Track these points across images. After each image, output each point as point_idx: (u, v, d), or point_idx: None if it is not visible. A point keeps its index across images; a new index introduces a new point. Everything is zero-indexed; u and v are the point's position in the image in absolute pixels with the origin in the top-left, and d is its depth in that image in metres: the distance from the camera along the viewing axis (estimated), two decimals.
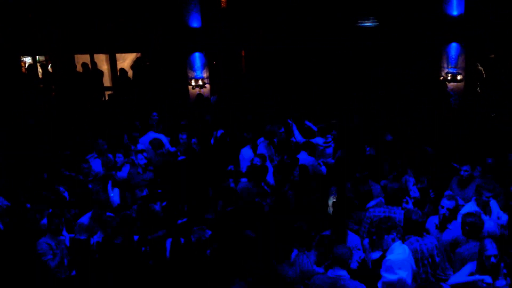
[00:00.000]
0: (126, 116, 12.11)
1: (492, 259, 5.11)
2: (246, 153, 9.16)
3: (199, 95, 13.52)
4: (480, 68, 13.96)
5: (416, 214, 5.71)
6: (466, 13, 12.93)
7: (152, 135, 9.94)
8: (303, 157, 8.73)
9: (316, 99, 12.94)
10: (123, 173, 8.84)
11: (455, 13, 12.98)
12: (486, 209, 6.59)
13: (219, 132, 10.12)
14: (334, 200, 7.47)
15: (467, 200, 7.06)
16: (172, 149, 9.82)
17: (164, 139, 10.04)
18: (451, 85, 13.16)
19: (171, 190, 7.75)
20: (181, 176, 8.25)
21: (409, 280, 5.29)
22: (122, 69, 15.29)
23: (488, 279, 5.13)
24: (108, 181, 8.16)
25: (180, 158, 9.29)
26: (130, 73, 15.47)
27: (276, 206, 7.17)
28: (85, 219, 6.93)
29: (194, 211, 6.87)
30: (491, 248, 5.14)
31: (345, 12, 13.83)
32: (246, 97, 13.29)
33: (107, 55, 15.71)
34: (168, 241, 6.24)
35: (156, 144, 9.40)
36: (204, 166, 8.60)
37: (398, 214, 6.17)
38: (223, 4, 14.51)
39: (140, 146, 9.58)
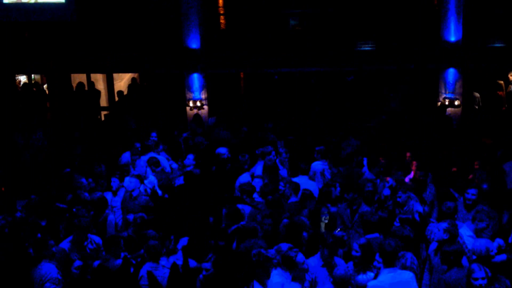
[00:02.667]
0: (123, 137, 12.00)
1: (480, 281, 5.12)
2: (244, 180, 9.00)
3: (197, 115, 13.43)
4: (477, 94, 14.08)
5: (390, 245, 5.67)
6: (464, 39, 13.09)
7: (152, 155, 9.81)
8: (304, 182, 8.62)
9: (315, 121, 12.92)
10: (119, 197, 8.67)
11: (452, 39, 13.12)
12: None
13: (219, 150, 9.96)
14: (326, 221, 7.44)
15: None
16: (175, 166, 9.71)
17: (163, 159, 9.94)
18: (449, 110, 13.23)
19: (168, 218, 7.61)
20: (181, 203, 8.09)
21: None
22: (120, 91, 15.19)
23: None
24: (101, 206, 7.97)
25: (179, 182, 9.12)
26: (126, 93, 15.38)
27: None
28: (65, 244, 6.80)
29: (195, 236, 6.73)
30: (478, 271, 5.16)
31: (343, 36, 13.91)
32: (245, 119, 13.23)
33: (104, 75, 15.61)
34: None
35: (154, 162, 9.36)
36: (205, 192, 8.42)
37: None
38: (222, 26, 14.53)
39: (140, 167, 9.43)
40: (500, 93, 14.25)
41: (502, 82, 14.37)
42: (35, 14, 14.29)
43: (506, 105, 14.10)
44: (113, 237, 6.60)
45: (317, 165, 9.53)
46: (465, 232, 6.66)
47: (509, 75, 14.34)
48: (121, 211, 8.42)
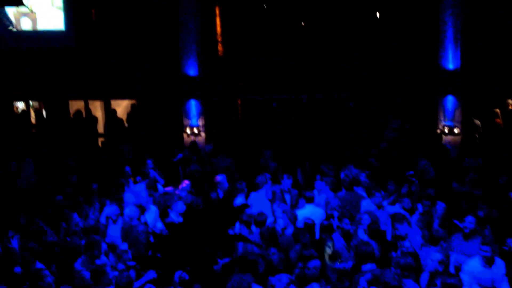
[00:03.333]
0: (120, 163, 11.89)
1: None
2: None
3: (193, 143, 13.31)
4: (478, 122, 13.97)
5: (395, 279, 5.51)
6: (462, 66, 13.06)
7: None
8: (310, 211, 8.44)
9: (314, 147, 12.80)
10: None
11: (451, 66, 13.09)
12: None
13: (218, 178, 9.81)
14: (330, 252, 7.26)
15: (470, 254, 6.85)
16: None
17: (159, 187, 9.83)
18: (448, 138, 13.12)
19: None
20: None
21: None
22: (119, 119, 15.17)
23: None
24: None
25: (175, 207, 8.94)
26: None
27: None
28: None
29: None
30: None
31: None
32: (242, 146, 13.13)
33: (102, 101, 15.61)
34: None
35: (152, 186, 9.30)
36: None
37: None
38: (220, 53, 14.57)
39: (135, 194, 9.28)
40: (497, 120, 14.16)
41: (498, 110, 14.31)
42: (35, 41, 14.40)
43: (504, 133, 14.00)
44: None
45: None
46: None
47: (507, 101, 14.26)
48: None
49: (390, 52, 13.77)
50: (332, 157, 11.88)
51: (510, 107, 14.29)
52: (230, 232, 8.07)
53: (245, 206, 8.65)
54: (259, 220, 7.84)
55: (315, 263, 6.34)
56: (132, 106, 15.27)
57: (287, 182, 9.66)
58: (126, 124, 15.06)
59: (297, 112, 14.52)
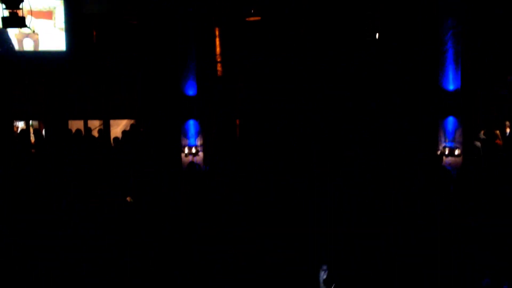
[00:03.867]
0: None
1: None
2: None
3: (191, 163, 13.22)
4: (478, 143, 13.80)
5: None
6: (463, 87, 12.95)
7: None
8: None
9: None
10: None
11: (451, 87, 13.00)
12: None
13: None
14: (325, 277, 7.07)
15: None
16: None
17: None
18: (449, 159, 12.95)
19: None
20: None
21: None
22: (116, 138, 15.11)
23: None
24: None
25: None
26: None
27: None
28: None
29: None
30: None
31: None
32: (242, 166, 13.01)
33: (101, 121, 15.60)
34: None
35: None
36: None
37: None
38: (219, 73, 14.58)
39: None
40: (497, 141, 13.98)
41: (498, 131, 14.14)
42: (36, 61, 14.48)
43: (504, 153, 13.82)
44: None
45: None
46: None
47: (506, 122, 14.10)
48: None
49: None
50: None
51: (507, 129, 14.16)
52: None
53: None
54: None
55: None
56: (131, 125, 15.19)
57: None
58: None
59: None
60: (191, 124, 13.82)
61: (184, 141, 13.83)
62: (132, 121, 15.65)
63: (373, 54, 14.08)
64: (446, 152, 12.98)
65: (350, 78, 14.06)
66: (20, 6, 9.64)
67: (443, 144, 13.16)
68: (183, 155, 13.73)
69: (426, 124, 13.42)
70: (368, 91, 13.82)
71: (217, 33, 14.64)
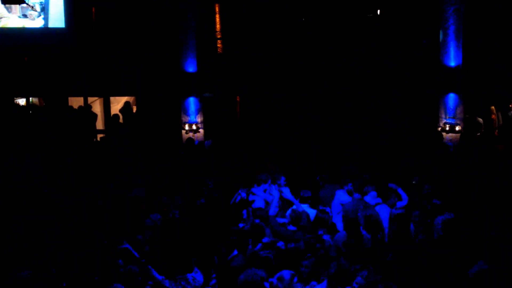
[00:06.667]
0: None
1: None
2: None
3: (189, 139, 13.22)
4: (480, 120, 13.79)
5: None
6: (464, 63, 12.90)
7: None
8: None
9: (313, 146, 12.67)
10: None
11: (452, 64, 12.93)
12: None
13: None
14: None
15: None
16: None
17: None
18: (449, 135, 12.95)
19: None
20: None
21: None
22: (115, 114, 15.10)
23: None
24: None
25: None
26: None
27: None
28: None
29: None
30: None
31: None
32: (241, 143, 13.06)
33: (101, 98, 15.58)
34: None
35: None
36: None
37: None
38: (219, 50, 14.51)
39: None
40: (492, 117, 14.03)
41: (493, 107, 14.14)
42: (36, 39, 14.40)
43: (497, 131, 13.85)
44: None
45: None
46: None
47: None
48: None
49: (390, 48, 13.64)
50: (332, 157, 11.77)
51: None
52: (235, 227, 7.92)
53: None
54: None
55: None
56: (126, 103, 15.10)
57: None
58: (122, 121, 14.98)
59: (297, 108, 14.38)
60: (191, 101, 13.80)
61: (185, 118, 13.83)
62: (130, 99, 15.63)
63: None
64: (447, 128, 12.96)
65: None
66: None
67: (444, 121, 13.14)
68: (183, 132, 13.75)
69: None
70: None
71: (217, 9, 14.54)
